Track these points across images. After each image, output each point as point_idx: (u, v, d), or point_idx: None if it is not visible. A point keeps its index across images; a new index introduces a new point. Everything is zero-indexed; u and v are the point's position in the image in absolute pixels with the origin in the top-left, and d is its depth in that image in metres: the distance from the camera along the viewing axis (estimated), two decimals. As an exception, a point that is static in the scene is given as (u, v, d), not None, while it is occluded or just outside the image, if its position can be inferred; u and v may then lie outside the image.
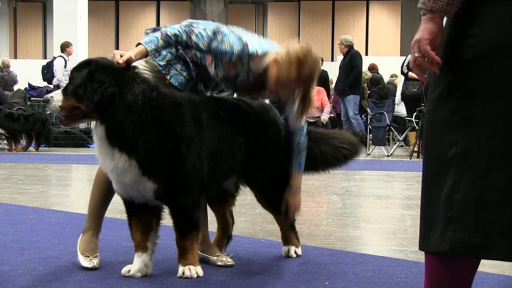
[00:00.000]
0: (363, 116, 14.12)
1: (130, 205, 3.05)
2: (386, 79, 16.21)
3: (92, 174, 3.39)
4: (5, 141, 13.01)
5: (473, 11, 1.90)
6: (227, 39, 3.09)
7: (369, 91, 14.97)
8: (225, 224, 3.55)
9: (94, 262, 3.17)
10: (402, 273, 3.14)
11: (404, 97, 12.83)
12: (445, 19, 1.97)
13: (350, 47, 12.48)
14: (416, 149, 11.82)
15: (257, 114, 3.33)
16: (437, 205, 1.96)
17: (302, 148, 3.37)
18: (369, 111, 13.32)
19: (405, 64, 12.33)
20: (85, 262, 3.16)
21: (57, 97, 2.88)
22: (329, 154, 3.55)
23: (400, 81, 14.16)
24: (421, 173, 2.06)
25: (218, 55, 3.12)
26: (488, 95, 1.88)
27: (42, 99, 14.72)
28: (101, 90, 2.83)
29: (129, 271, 3.03)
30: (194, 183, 2.98)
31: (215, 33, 3.10)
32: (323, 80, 13.81)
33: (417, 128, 11.73)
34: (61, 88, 2.95)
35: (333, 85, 14.16)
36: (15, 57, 25.38)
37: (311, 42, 3.17)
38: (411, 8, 24.13)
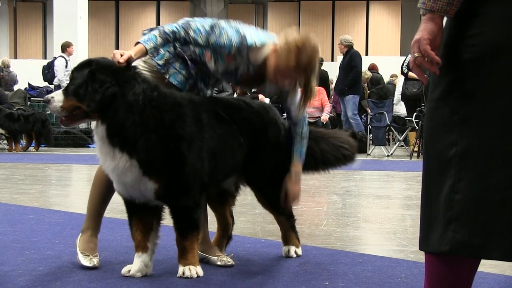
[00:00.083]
0: (363, 116, 14.13)
1: (130, 205, 3.05)
2: (386, 79, 16.22)
3: (92, 174, 3.40)
4: (5, 141, 13.01)
5: (473, 11, 1.90)
6: (225, 32, 3.09)
7: (369, 91, 14.97)
8: (225, 224, 3.55)
9: (95, 261, 3.17)
10: (402, 273, 3.14)
11: (404, 97, 12.84)
12: (445, 19, 1.97)
13: (349, 47, 12.48)
14: (416, 149, 11.81)
15: (257, 114, 3.33)
16: (437, 205, 1.96)
17: (304, 136, 3.37)
18: (369, 111, 13.32)
19: (405, 64, 12.34)
20: (85, 261, 3.16)
21: (58, 97, 2.88)
22: (330, 153, 3.55)
23: (399, 80, 14.17)
24: (421, 173, 2.06)
25: (217, 49, 3.12)
26: (488, 95, 1.88)
27: (42, 99, 14.75)
28: (102, 90, 2.83)
29: (129, 271, 3.03)
30: (194, 183, 2.98)
31: (212, 27, 3.11)
32: (323, 80, 13.82)
33: (417, 128, 11.73)
34: (62, 89, 2.95)
35: (333, 85, 14.16)
36: (15, 57, 25.38)
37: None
38: (411, 8, 24.13)
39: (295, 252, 3.51)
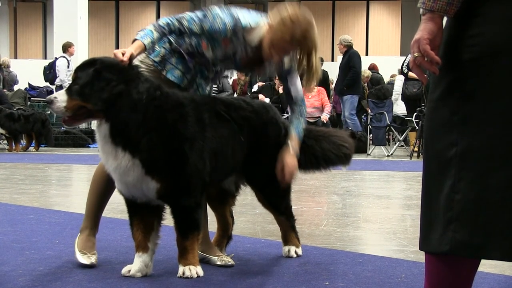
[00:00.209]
0: (363, 116, 14.13)
1: (132, 204, 3.05)
2: (386, 79, 16.21)
3: (92, 174, 3.39)
4: (5, 141, 13.01)
5: (473, 11, 1.90)
6: (218, 16, 3.11)
7: (368, 91, 14.97)
8: (225, 224, 3.55)
9: (92, 259, 3.17)
10: (402, 273, 3.14)
11: (404, 97, 12.85)
12: (445, 19, 1.97)
13: (349, 47, 12.49)
14: (416, 149, 11.81)
15: (257, 113, 3.33)
16: (437, 205, 1.96)
17: (303, 115, 3.36)
18: (369, 111, 13.32)
19: (405, 64, 12.34)
20: (83, 259, 3.16)
21: (61, 97, 2.86)
22: (331, 151, 3.54)
23: (397, 80, 14.18)
24: (421, 173, 2.06)
25: (212, 35, 3.13)
26: (488, 95, 1.88)
27: (42, 99, 14.76)
28: (109, 88, 2.82)
29: (129, 271, 3.03)
30: (196, 183, 2.98)
31: (205, 14, 3.14)
32: (323, 80, 13.82)
33: (417, 128, 11.73)
34: (64, 89, 2.94)
35: (333, 85, 14.17)
36: (15, 57, 25.38)
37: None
38: (411, 8, 24.13)
39: (295, 252, 3.51)
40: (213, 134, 3.06)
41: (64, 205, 5.53)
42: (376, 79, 15.59)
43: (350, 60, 12.33)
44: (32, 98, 15.16)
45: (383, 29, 25.64)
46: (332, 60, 22.54)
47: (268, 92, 13.16)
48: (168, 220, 3.11)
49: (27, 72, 17.36)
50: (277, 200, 3.44)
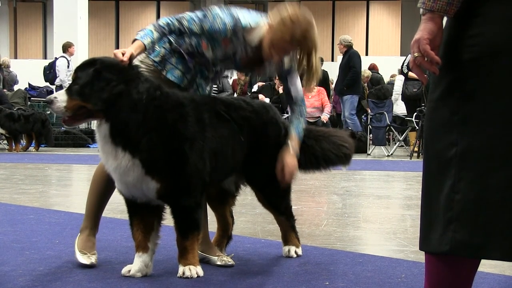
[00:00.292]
0: (363, 116, 14.13)
1: (132, 204, 3.05)
2: (386, 79, 16.21)
3: (92, 174, 3.39)
4: (5, 141, 13.01)
5: (473, 11, 1.90)
6: (218, 16, 3.11)
7: (368, 91, 14.97)
8: (225, 224, 3.55)
9: (92, 259, 3.18)
10: (402, 273, 3.14)
11: (404, 97, 12.85)
12: (445, 19, 1.97)
13: (348, 47, 12.50)
14: (416, 149, 11.81)
15: (257, 113, 3.33)
16: (437, 205, 1.96)
17: (303, 115, 3.37)
18: (369, 111, 13.32)
19: (405, 64, 12.34)
20: (83, 259, 3.16)
21: (61, 97, 2.86)
22: (331, 151, 3.54)
23: (397, 80, 14.19)
24: (421, 173, 2.06)
25: (212, 35, 3.13)
26: (488, 95, 1.88)
27: (42, 99, 14.76)
28: (109, 88, 2.82)
29: (129, 271, 3.03)
30: (196, 183, 2.98)
31: (205, 14, 3.14)
32: (323, 80, 13.82)
33: (417, 128, 11.73)
34: (64, 89, 2.94)
35: (333, 85, 14.17)
36: (15, 57, 25.38)
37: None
38: (411, 8, 24.13)
39: (295, 252, 3.51)
40: (213, 134, 3.06)
41: (64, 205, 5.53)
42: (376, 79, 15.59)
43: (350, 60, 12.33)
44: (32, 98, 15.16)
45: (383, 29, 25.64)
46: (332, 60, 22.54)
47: (268, 92, 13.17)
48: (168, 220, 3.11)
49: (27, 72, 17.36)
50: (277, 200, 3.44)
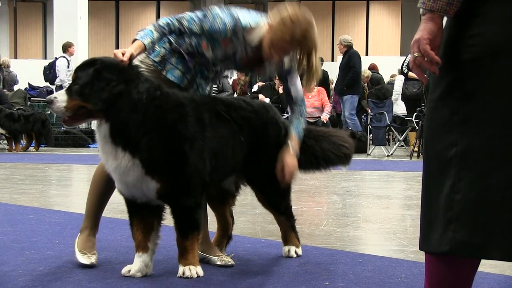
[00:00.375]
0: (363, 116, 14.13)
1: (132, 204, 3.05)
2: (386, 79, 16.22)
3: (92, 174, 3.39)
4: (5, 141, 13.01)
5: (473, 11, 1.90)
6: (218, 16, 3.11)
7: (368, 91, 14.97)
8: (225, 224, 3.55)
9: (92, 259, 3.18)
10: (402, 273, 3.14)
11: (404, 97, 12.85)
12: (445, 19, 1.97)
13: (348, 47, 12.50)
14: (416, 149, 11.81)
15: (257, 113, 3.33)
16: (437, 205, 1.96)
17: (303, 115, 3.37)
18: (369, 111, 13.32)
19: (405, 64, 12.35)
20: (83, 259, 3.16)
21: (61, 97, 2.85)
22: (331, 151, 3.54)
23: (397, 80, 14.19)
24: (421, 173, 2.06)
25: (212, 35, 3.13)
26: (488, 95, 1.88)
27: (42, 99, 14.76)
28: (109, 88, 2.82)
29: (129, 271, 3.03)
30: (196, 183, 2.98)
31: (205, 14, 3.14)
32: (323, 80, 13.82)
33: (417, 128, 11.73)
34: (64, 89, 2.94)
35: (333, 85, 14.17)
36: (15, 57, 25.38)
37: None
38: (411, 8, 24.13)
39: (295, 252, 3.51)
40: (213, 134, 3.06)
41: (64, 205, 5.53)
42: (376, 79, 15.59)
43: (350, 60, 12.33)
44: (32, 98, 15.16)
45: (383, 29, 25.63)
46: (332, 60, 22.54)
47: (268, 92, 13.17)
48: (168, 220, 3.11)
49: (27, 72, 17.37)
50: (277, 200, 3.44)
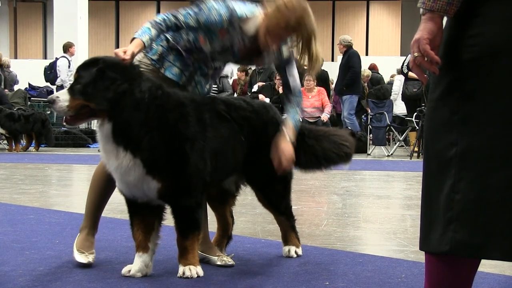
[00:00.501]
0: (363, 116, 14.13)
1: (132, 204, 3.05)
2: (386, 79, 16.22)
3: (92, 174, 3.39)
4: (5, 141, 13.02)
5: (473, 11, 1.90)
6: (213, 8, 3.12)
7: (367, 91, 14.98)
8: (225, 224, 3.55)
9: (89, 258, 3.18)
10: (402, 273, 3.14)
11: (404, 97, 12.86)
12: (445, 19, 1.97)
13: (348, 47, 12.50)
14: (416, 149, 11.81)
15: (257, 113, 3.33)
16: (437, 205, 1.96)
17: (299, 106, 3.37)
18: (369, 111, 13.32)
19: (405, 64, 12.35)
20: (80, 258, 3.17)
21: (63, 96, 2.84)
22: (332, 151, 3.54)
23: (395, 80, 14.21)
24: (421, 173, 2.06)
25: (209, 27, 3.13)
26: (488, 95, 1.88)
27: (42, 99, 14.76)
28: (113, 87, 2.81)
29: (129, 271, 3.03)
30: (197, 183, 2.98)
31: (200, 7, 3.14)
32: (324, 80, 13.83)
33: (417, 128, 11.73)
34: (66, 88, 2.92)
35: (333, 85, 14.18)
36: (15, 57, 25.39)
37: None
38: (411, 8, 24.14)
39: (295, 252, 3.50)
40: (214, 134, 3.06)
41: (64, 205, 5.53)
42: (376, 79, 15.60)
43: (349, 60, 12.34)
44: (32, 98, 15.17)
45: (383, 29, 25.64)
46: (332, 60, 22.56)
47: (268, 92, 13.16)
48: (168, 220, 3.11)
49: (27, 72, 17.37)
50: (277, 200, 3.44)
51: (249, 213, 4.96)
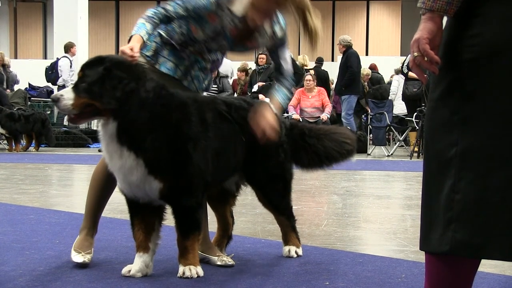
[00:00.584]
0: (363, 116, 14.12)
1: (133, 204, 3.05)
2: (386, 79, 16.22)
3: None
4: (5, 141, 13.02)
5: (473, 11, 1.90)
6: None
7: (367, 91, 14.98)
8: (225, 224, 3.54)
9: (86, 257, 3.17)
10: (402, 273, 3.14)
11: (404, 97, 12.86)
12: (445, 19, 1.97)
13: (348, 47, 12.50)
14: (416, 149, 11.81)
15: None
16: (437, 205, 1.96)
17: (289, 89, 3.36)
18: (369, 111, 13.32)
19: (405, 64, 12.35)
20: (76, 257, 3.17)
21: (67, 95, 2.82)
22: (333, 149, 3.53)
23: (393, 79, 14.21)
24: (422, 173, 2.06)
25: (198, 13, 3.13)
26: (488, 95, 1.88)
27: (42, 99, 14.77)
28: (121, 86, 2.80)
29: (129, 271, 3.03)
30: (198, 183, 2.98)
31: None
32: (324, 80, 13.84)
33: (418, 128, 11.73)
34: (70, 86, 2.89)
35: (333, 85, 14.18)
36: (15, 57, 25.39)
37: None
38: (411, 8, 24.14)
39: (296, 252, 3.50)
40: (215, 134, 3.06)
41: (64, 205, 5.52)
42: (376, 79, 15.60)
43: (348, 60, 12.34)
44: (32, 98, 15.17)
45: (383, 29, 25.64)
46: (332, 60, 22.56)
47: (268, 92, 13.16)
48: (168, 220, 3.11)
49: (27, 72, 17.38)
50: (277, 200, 3.44)
51: (249, 213, 4.96)
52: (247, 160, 3.28)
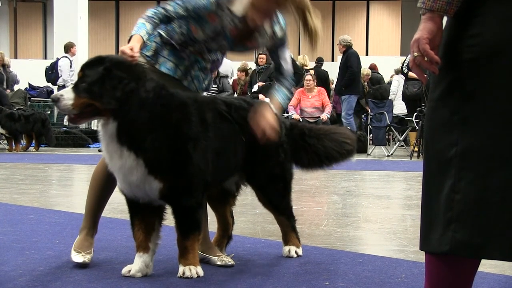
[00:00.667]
0: (363, 116, 14.12)
1: (133, 204, 3.05)
2: (386, 79, 16.23)
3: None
4: (5, 141, 13.02)
5: (473, 11, 1.90)
6: None
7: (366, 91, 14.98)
8: (225, 224, 3.55)
9: (86, 257, 3.17)
10: (402, 273, 3.14)
11: (404, 97, 12.86)
12: (445, 19, 1.97)
13: (347, 47, 12.51)
14: (416, 149, 11.82)
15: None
16: (437, 205, 1.96)
17: (289, 89, 3.36)
18: (369, 111, 13.32)
19: (405, 64, 12.35)
20: (76, 257, 3.17)
21: (67, 95, 2.82)
22: (333, 149, 3.53)
23: (393, 79, 14.21)
24: (422, 173, 2.06)
25: (198, 13, 3.13)
26: (488, 95, 1.88)
27: (42, 99, 14.77)
28: (121, 86, 2.80)
29: (129, 271, 3.03)
30: (198, 183, 2.98)
31: None
32: (324, 80, 13.84)
33: (418, 128, 11.73)
34: (71, 86, 2.89)
35: (333, 85, 14.18)
36: (15, 57, 25.39)
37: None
38: (411, 8, 24.14)
39: (296, 252, 3.50)
40: (215, 134, 3.06)
41: (64, 205, 5.53)
42: (376, 79, 15.60)
43: (348, 60, 12.34)
44: (32, 98, 15.17)
45: (383, 29, 25.64)
46: (332, 60, 22.56)
47: (268, 92, 13.16)
48: (168, 220, 3.11)
49: (27, 72, 17.38)
50: (277, 200, 3.44)
51: (249, 213, 4.96)
52: (247, 160, 3.28)
